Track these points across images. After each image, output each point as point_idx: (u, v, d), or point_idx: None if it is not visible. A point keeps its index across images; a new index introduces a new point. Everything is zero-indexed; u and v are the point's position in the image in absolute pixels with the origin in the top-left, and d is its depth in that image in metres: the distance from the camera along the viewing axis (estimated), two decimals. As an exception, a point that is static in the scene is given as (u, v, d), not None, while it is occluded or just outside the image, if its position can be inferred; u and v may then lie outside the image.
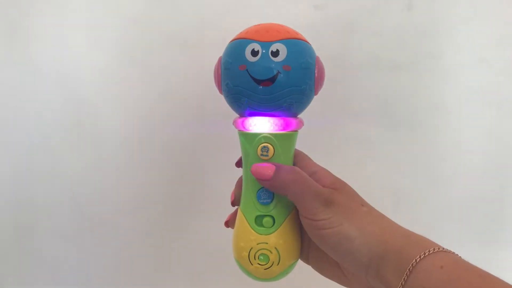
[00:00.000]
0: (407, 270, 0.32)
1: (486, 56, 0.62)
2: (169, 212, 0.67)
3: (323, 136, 0.63)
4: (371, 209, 0.38)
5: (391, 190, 0.65)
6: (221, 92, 0.41)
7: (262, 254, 0.39)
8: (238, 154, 0.42)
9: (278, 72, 0.37)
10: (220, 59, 0.40)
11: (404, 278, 0.32)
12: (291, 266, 0.41)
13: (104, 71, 0.64)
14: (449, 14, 0.62)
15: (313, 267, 0.42)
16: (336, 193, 0.37)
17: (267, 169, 0.38)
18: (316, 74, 0.39)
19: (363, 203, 0.38)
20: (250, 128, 0.39)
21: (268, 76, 0.37)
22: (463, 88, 0.63)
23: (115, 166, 0.66)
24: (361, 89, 0.63)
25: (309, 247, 0.41)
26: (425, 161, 0.65)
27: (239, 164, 0.42)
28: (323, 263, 0.40)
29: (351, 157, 0.64)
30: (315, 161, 0.42)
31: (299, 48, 0.38)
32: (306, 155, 0.42)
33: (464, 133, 0.64)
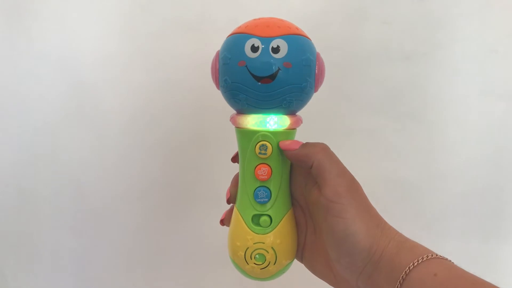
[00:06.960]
0: (400, 278, 0.31)
1: (497, 48, 0.61)
2: (169, 200, 0.67)
3: (330, 126, 0.62)
4: (377, 212, 0.37)
5: (396, 182, 0.65)
6: (218, 88, 0.40)
7: (258, 253, 0.39)
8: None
9: (279, 69, 0.36)
10: (218, 53, 0.39)
11: (397, 287, 0.31)
12: (287, 266, 0.40)
13: (107, 56, 0.63)
14: (460, 4, 0.60)
15: (306, 265, 0.41)
16: (358, 183, 0.37)
17: (294, 143, 0.38)
18: (316, 71, 0.38)
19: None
20: (248, 125, 0.38)
21: (268, 73, 0.36)
22: (473, 80, 0.62)
23: (116, 152, 0.66)
24: (369, 79, 0.62)
25: (304, 245, 0.41)
26: (432, 154, 0.64)
27: (235, 159, 0.42)
28: (316, 262, 0.40)
29: (357, 148, 0.63)
30: None
31: (300, 45, 0.37)
32: None
33: (472, 126, 0.63)
